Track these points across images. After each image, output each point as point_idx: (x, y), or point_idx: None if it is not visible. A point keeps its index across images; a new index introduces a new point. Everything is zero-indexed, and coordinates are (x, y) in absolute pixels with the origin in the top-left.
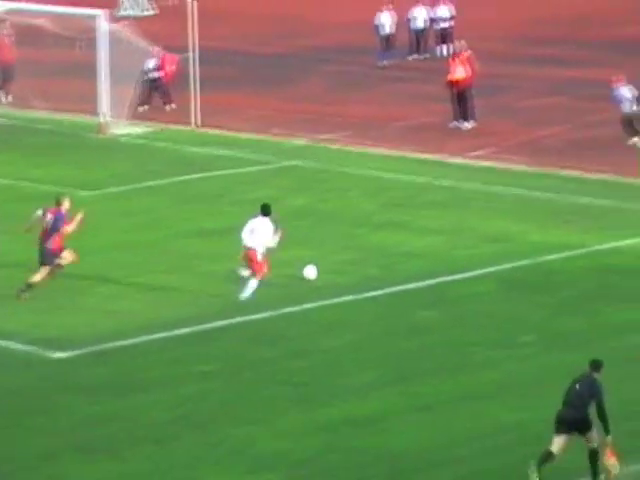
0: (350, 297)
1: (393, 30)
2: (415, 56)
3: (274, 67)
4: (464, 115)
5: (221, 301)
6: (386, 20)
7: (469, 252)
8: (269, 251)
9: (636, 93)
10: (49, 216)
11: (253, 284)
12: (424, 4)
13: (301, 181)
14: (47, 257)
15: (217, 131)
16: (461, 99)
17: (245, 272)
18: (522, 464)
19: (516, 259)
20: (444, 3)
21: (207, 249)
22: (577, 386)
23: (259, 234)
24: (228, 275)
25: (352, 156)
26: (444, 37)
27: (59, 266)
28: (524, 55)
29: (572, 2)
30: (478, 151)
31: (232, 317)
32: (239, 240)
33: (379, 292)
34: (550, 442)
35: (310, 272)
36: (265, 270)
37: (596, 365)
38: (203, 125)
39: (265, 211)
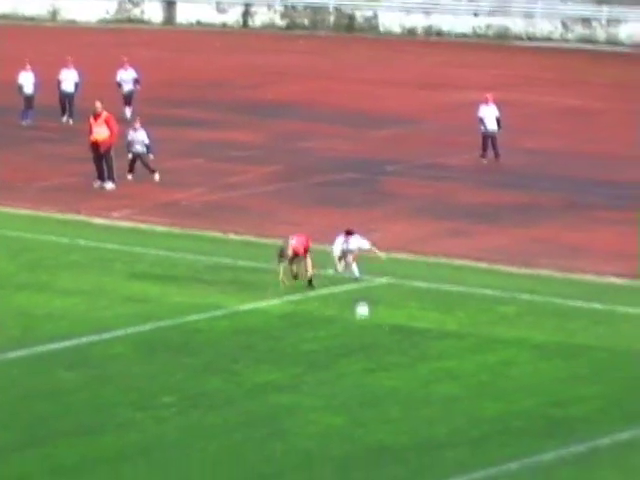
0: None
1: (32, 90)
2: (65, 118)
3: None
4: (107, 175)
5: None
6: (27, 80)
7: (109, 313)
8: None
9: None
10: None
11: None
12: (75, 67)
13: None
14: None
15: None
16: (103, 159)
17: None
18: None
19: (157, 319)
20: (129, 66)
21: None
22: None
23: None
24: None
25: None
26: (128, 99)
27: None
28: (162, 116)
29: (204, 68)
30: (120, 211)
31: None
32: None
33: (19, 353)
34: None
35: (363, 310)
36: None
37: None
38: None
39: None
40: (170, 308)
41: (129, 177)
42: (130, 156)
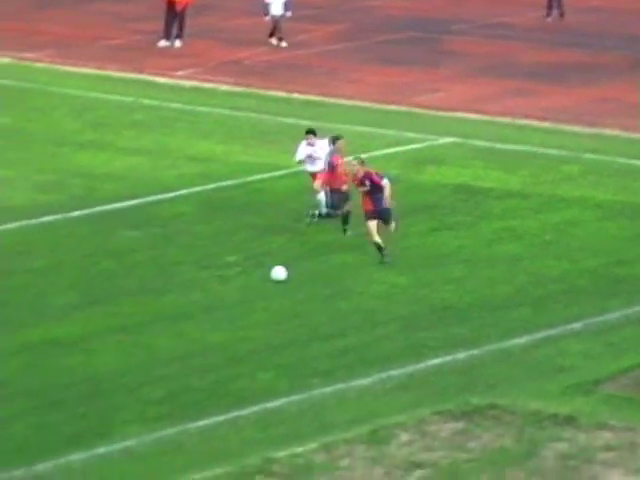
0: (53, 217)
1: None
2: None
3: None
4: (177, 33)
5: None
6: None
7: (173, 172)
8: None
9: None
10: None
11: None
12: None
13: (4, 100)
14: None
15: None
16: (176, 17)
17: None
18: (229, 382)
19: (220, 179)
20: None
21: None
22: None
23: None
24: None
25: (56, 75)
26: None
27: None
28: None
29: None
30: (183, 71)
31: None
32: None
33: (82, 212)
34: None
35: (279, 273)
36: None
37: None
38: None
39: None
40: (233, 167)
41: (272, 41)
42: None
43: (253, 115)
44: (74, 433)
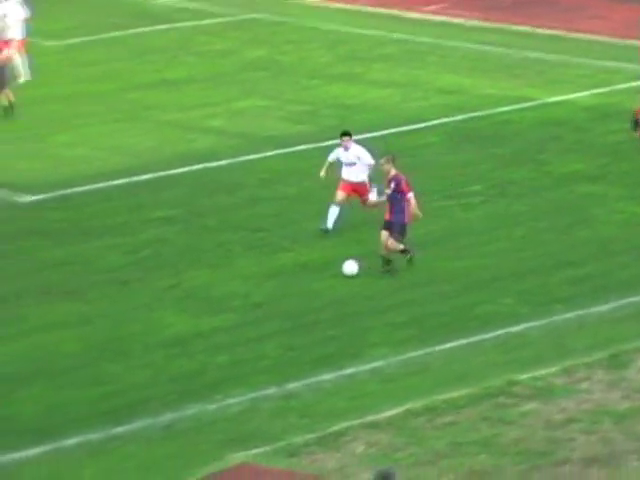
0: (305, 146)
1: None
2: None
3: None
4: None
5: (181, 149)
6: None
7: (422, 104)
8: None
9: None
10: None
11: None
12: None
13: (259, 33)
14: None
15: None
16: None
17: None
18: (473, 307)
19: (468, 110)
20: None
21: (166, 99)
22: None
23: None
24: (188, 124)
25: (310, 9)
26: None
27: None
28: None
29: None
30: (433, 6)
31: (191, 165)
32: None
33: (333, 142)
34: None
35: (351, 267)
36: None
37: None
38: None
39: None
40: (481, 100)
41: None
42: None
43: (499, 49)
44: (324, 354)
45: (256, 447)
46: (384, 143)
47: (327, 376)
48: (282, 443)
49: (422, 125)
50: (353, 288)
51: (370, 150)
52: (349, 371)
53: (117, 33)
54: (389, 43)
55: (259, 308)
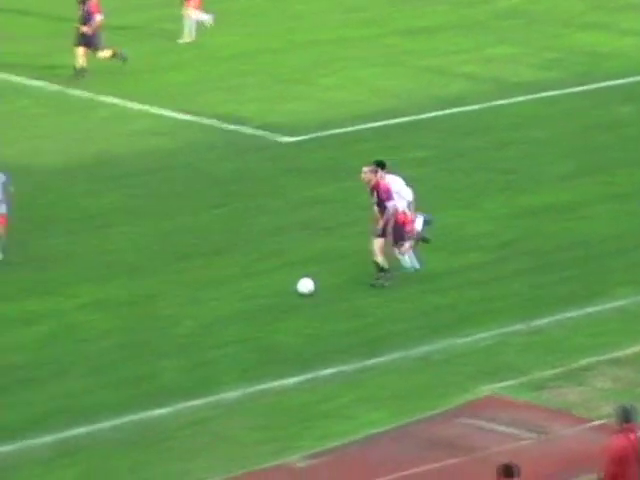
0: (553, 92)
1: None
2: None
3: None
4: None
5: (435, 93)
6: None
7: None
8: None
9: None
10: None
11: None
12: None
13: None
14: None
15: None
16: None
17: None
18: None
19: None
20: None
21: (421, 45)
22: None
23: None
24: (442, 69)
25: None
26: None
27: None
28: None
29: None
30: None
31: (444, 109)
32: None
33: (582, 88)
34: None
35: (306, 285)
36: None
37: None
38: None
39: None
40: None
41: None
42: None
43: None
44: (568, 292)
45: (503, 380)
46: (633, 89)
47: (572, 313)
48: (528, 377)
49: None
50: (599, 229)
51: None
52: (593, 309)
53: None
54: None
55: (508, 247)
